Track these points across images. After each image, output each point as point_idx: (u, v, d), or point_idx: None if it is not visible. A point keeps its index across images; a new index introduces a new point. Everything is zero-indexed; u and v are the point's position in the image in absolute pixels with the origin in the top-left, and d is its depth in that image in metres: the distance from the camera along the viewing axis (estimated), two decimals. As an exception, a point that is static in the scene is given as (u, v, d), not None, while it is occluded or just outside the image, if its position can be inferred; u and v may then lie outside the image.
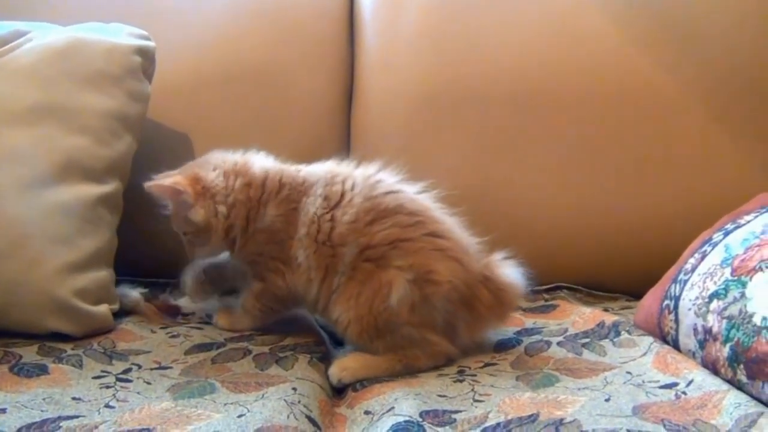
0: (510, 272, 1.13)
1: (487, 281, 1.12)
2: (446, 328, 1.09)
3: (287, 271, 1.15)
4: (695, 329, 1.04)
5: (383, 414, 0.91)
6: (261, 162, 1.21)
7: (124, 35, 1.36)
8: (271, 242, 1.16)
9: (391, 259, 1.07)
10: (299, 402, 0.92)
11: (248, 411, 0.89)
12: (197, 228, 1.17)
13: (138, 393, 0.96)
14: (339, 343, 1.23)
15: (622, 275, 1.44)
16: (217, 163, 1.19)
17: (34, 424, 0.86)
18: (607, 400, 0.93)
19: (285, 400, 0.91)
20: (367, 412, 0.94)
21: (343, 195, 1.13)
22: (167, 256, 1.46)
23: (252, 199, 1.16)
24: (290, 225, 1.14)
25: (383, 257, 1.08)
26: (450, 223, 1.14)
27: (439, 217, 1.14)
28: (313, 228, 1.12)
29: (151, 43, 1.38)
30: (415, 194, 1.16)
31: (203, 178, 1.16)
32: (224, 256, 1.26)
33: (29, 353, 1.08)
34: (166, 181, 1.16)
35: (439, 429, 0.87)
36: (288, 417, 0.88)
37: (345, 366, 1.07)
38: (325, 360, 1.12)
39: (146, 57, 1.37)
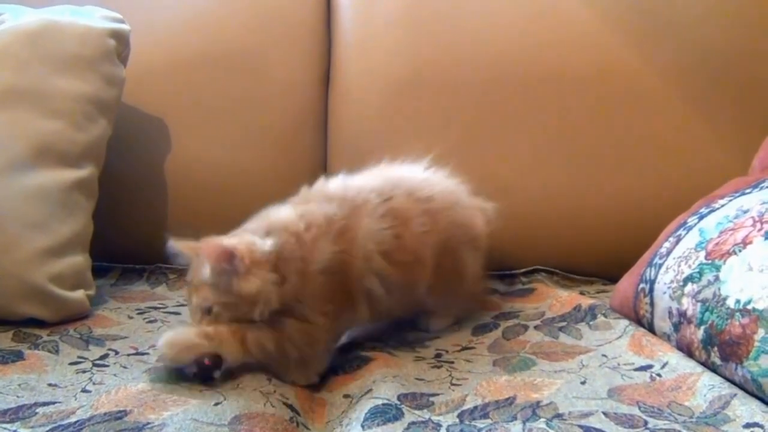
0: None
1: None
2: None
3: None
4: (670, 312, 1.05)
5: (362, 397, 0.91)
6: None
7: (98, 18, 1.34)
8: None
9: (454, 239, 1.17)
10: (275, 392, 0.92)
11: (224, 399, 0.89)
12: (238, 300, 0.99)
13: (114, 375, 0.96)
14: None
15: (598, 259, 1.45)
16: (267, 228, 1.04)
17: (9, 410, 0.86)
18: (583, 383, 0.94)
19: (260, 391, 0.91)
20: (346, 396, 0.94)
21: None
22: (142, 242, 1.46)
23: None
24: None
25: (450, 240, 1.17)
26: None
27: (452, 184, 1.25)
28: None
29: (125, 27, 1.37)
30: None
31: (258, 246, 1.01)
32: None
33: (4, 339, 1.07)
34: (222, 242, 1.00)
35: (416, 412, 0.87)
36: (264, 405, 0.87)
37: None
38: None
39: (121, 40, 1.35)
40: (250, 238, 1.01)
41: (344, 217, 1.05)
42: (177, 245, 1.02)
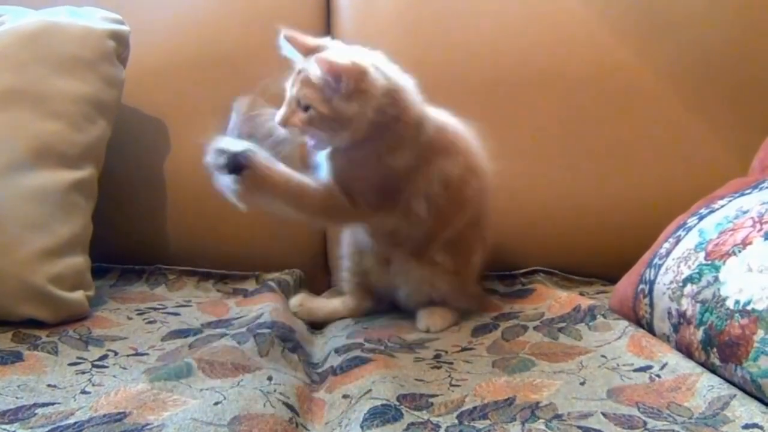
0: None
1: None
2: None
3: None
4: (669, 313, 1.05)
5: (361, 397, 0.91)
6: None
7: (98, 19, 1.34)
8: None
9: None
10: (275, 391, 0.92)
11: (224, 398, 0.89)
12: (333, 115, 1.09)
13: (114, 376, 0.96)
14: (316, 328, 1.24)
15: (597, 259, 1.45)
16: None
17: (8, 411, 0.86)
18: (582, 384, 0.94)
19: (261, 390, 0.91)
20: (345, 396, 0.94)
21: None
22: (141, 243, 1.46)
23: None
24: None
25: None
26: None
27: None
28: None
29: (125, 28, 1.37)
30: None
31: (370, 76, 1.10)
32: None
33: (3, 340, 1.07)
34: (336, 59, 1.07)
35: (416, 413, 0.87)
36: (264, 405, 0.87)
37: (432, 312, 1.21)
38: (297, 350, 1.10)
39: (120, 41, 1.35)
40: (368, 66, 1.10)
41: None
42: (292, 37, 1.12)
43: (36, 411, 0.86)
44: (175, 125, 1.50)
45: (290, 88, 1.11)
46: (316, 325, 1.27)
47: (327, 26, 1.62)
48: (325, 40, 1.15)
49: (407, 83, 1.16)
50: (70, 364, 1.01)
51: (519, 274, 1.44)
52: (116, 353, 1.05)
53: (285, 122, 1.10)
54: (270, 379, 0.95)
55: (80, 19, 1.32)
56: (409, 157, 1.14)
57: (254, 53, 1.55)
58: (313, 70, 1.07)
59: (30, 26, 1.28)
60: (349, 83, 1.06)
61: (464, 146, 1.21)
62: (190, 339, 1.11)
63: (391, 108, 1.11)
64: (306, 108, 1.08)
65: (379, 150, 1.12)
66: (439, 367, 1.02)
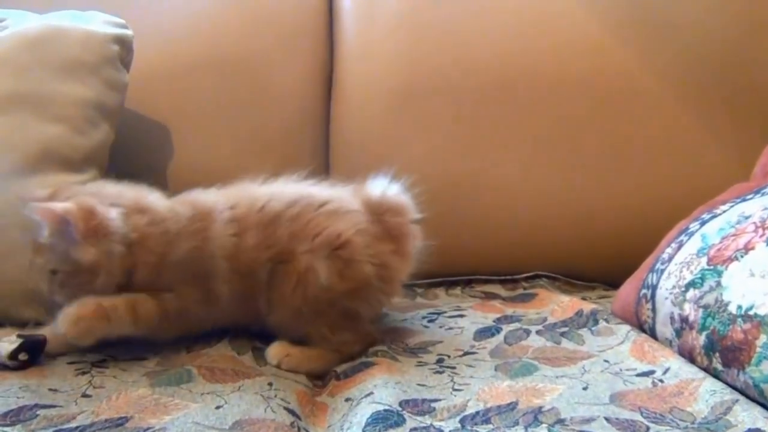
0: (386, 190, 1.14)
1: (383, 212, 1.12)
2: (381, 273, 1.09)
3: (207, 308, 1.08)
4: (672, 318, 1.05)
5: (362, 399, 0.91)
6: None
7: (101, 23, 1.35)
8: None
9: (297, 251, 1.06)
10: (276, 396, 0.92)
11: (225, 403, 0.89)
12: (77, 268, 1.00)
13: (114, 377, 0.96)
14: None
15: (599, 264, 1.45)
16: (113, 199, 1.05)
17: (10, 411, 0.86)
18: (585, 389, 0.94)
19: (261, 395, 0.91)
20: (347, 399, 0.94)
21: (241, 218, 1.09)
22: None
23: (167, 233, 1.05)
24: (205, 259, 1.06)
25: (291, 253, 1.06)
26: (326, 191, 1.15)
27: (315, 191, 1.14)
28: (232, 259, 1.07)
29: (128, 32, 1.37)
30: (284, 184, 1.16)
31: (99, 213, 1.00)
32: None
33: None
34: (56, 206, 0.98)
35: (418, 418, 0.87)
36: (265, 410, 0.87)
37: (288, 352, 1.07)
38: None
39: (124, 45, 1.35)
40: (94, 203, 1.01)
41: (201, 219, 1.07)
42: (33, 205, 1.00)
43: (38, 412, 0.86)
44: (178, 129, 1.50)
45: (33, 263, 1.04)
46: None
47: (329, 32, 1.62)
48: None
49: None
50: (69, 363, 1.01)
51: (521, 278, 1.44)
52: (115, 358, 1.05)
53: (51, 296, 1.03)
54: (270, 384, 0.95)
55: (83, 23, 1.32)
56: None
57: (257, 58, 1.55)
58: (42, 230, 0.99)
59: (33, 30, 1.28)
60: (77, 226, 0.97)
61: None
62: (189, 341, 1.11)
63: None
64: (54, 272, 1.01)
65: None
66: (441, 372, 1.02)
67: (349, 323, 1.10)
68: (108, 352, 1.07)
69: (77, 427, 0.82)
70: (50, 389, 0.93)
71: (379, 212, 1.12)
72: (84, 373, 0.98)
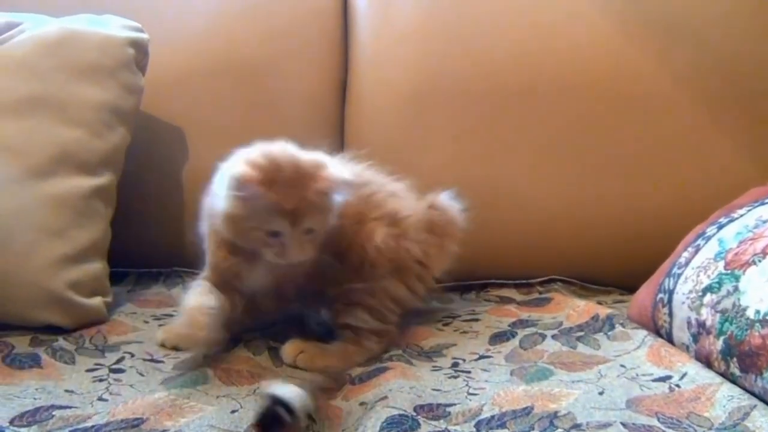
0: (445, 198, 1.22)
1: (436, 210, 1.21)
2: (422, 259, 1.16)
3: None
4: (689, 323, 1.05)
5: (376, 403, 0.91)
6: None
7: (118, 27, 1.35)
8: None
9: (367, 216, 1.13)
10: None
11: (241, 407, 0.89)
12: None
13: (131, 386, 0.96)
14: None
15: (615, 269, 1.44)
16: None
17: (27, 412, 0.86)
18: (601, 393, 0.93)
19: None
20: (362, 403, 0.94)
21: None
22: (159, 248, 1.46)
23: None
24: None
25: (363, 217, 1.13)
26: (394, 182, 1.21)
27: (385, 179, 1.21)
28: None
29: (144, 36, 1.38)
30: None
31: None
32: None
33: (22, 345, 1.07)
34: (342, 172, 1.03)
35: (433, 422, 0.87)
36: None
37: (303, 348, 1.09)
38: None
39: (140, 49, 1.36)
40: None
41: None
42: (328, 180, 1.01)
43: (54, 413, 0.87)
44: (193, 132, 1.51)
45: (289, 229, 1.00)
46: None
47: (344, 38, 1.62)
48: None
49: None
50: (88, 371, 1.01)
51: (536, 282, 1.44)
52: (132, 355, 1.06)
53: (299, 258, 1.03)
54: None
55: (100, 27, 1.33)
56: None
57: (272, 63, 1.56)
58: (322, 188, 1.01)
59: (50, 34, 1.29)
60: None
61: None
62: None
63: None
64: (309, 231, 1.02)
65: None
66: (456, 376, 1.02)
67: (386, 312, 1.14)
68: (125, 349, 1.08)
69: (92, 427, 0.83)
70: (66, 390, 0.94)
71: (433, 209, 1.20)
72: (101, 380, 0.98)
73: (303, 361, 1.07)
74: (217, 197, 1.02)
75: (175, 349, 1.08)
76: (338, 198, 1.04)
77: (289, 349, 1.08)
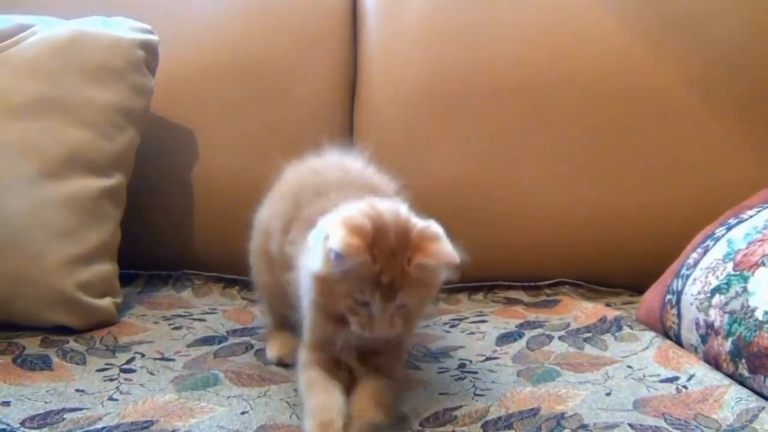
0: None
1: None
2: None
3: None
4: (697, 324, 1.05)
5: None
6: None
7: (128, 29, 1.36)
8: None
9: None
10: (301, 403, 0.92)
11: (251, 408, 0.89)
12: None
13: (141, 385, 0.97)
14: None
15: (624, 270, 1.44)
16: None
17: (38, 415, 0.87)
18: (608, 394, 0.93)
19: (287, 402, 0.92)
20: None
21: None
22: (169, 250, 1.47)
23: None
24: None
25: None
26: None
27: None
28: None
29: (154, 37, 1.38)
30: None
31: None
32: None
33: (32, 346, 1.08)
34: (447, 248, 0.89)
35: (439, 429, 0.87)
36: (291, 417, 0.88)
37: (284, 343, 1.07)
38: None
39: (149, 51, 1.37)
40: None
41: None
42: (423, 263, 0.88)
43: (65, 416, 0.87)
44: (202, 133, 1.51)
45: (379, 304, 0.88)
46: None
47: (353, 38, 1.62)
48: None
49: None
50: (98, 370, 1.02)
51: (544, 285, 1.44)
52: (143, 355, 1.07)
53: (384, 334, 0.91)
54: (296, 391, 0.95)
55: (110, 29, 1.34)
56: None
57: (281, 63, 1.56)
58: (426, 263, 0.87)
59: (61, 36, 1.29)
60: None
61: None
62: (216, 346, 1.12)
63: None
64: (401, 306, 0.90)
65: None
66: (463, 378, 1.02)
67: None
68: (136, 349, 1.09)
69: (103, 429, 0.84)
70: (77, 390, 0.94)
71: None
72: (112, 380, 0.99)
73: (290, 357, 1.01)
74: (312, 253, 0.89)
75: None
76: (443, 275, 0.93)
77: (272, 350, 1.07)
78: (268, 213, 1.10)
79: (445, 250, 0.88)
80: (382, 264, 0.86)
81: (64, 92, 1.25)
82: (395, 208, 0.91)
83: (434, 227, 0.91)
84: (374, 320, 0.88)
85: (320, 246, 0.86)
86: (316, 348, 0.95)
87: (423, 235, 0.88)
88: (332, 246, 0.83)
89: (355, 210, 0.90)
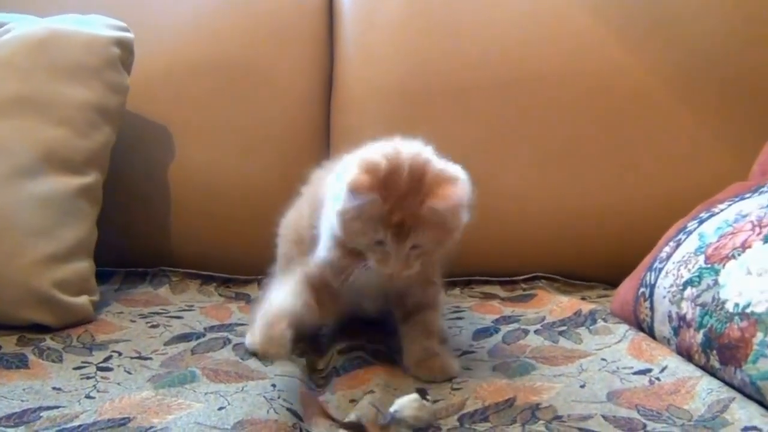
0: None
1: None
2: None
3: None
4: (670, 316, 1.06)
5: (363, 398, 0.92)
6: None
7: (103, 27, 1.36)
8: None
9: None
10: (279, 397, 0.92)
11: (228, 404, 0.89)
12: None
13: (118, 383, 0.97)
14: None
15: (598, 264, 1.46)
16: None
17: (14, 414, 0.87)
18: (582, 387, 0.94)
19: (264, 397, 0.91)
20: (351, 401, 0.95)
21: None
22: (146, 247, 1.47)
23: None
24: None
25: None
26: None
27: None
28: None
29: (129, 35, 1.38)
30: None
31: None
32: None
33: (9, 344, 1.08)
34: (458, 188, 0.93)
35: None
36: (268, 412, 0.88)
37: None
38: (305, 355, 1.11)
39: (125, 48, 1.36)
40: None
41: None
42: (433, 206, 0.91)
43: (41, 414, 0.87)
44: (178, 131, 1.51)
45: (391, 243, 0.93)
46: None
47: (329, 35, 1.63)
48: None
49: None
50: (75, 368, 1.02)
51: (520, 279, 1.45)
52: (120, 354, 1.07)
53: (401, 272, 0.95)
54: (274, 386, 0.96)
55: (85, 27, 1.33)
56: None
57: (258, 61, 1.56)
58: (435, 205, 0.91)
59: (36, 34, 1.29)
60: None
61: None
62: (193, 343, 1.12)
63: None
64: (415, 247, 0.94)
65: None
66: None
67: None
68: (113, 348, 1.09)
69: (80, 426, 0.83)
70: (54, 388, 0.94)
71: None
72: (88, 378, 0.99)
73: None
74: (336, 191, 0.94)
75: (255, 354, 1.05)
76: (461, 218, 0.95)
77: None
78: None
79: (455, 193, 0.91)
80: (392, 203, 0.90)
81: (39, 90, 1.25)
82: (418, 150, 0.96)
83: (453, 170, 0.95)
84: (390, 258, 0.93)
85: (342, 183, 0.91)
86: (317, 281, 1.02)
87: (439, 177, 0.92)
88: (345, 182, 0.89)
89: (376, 149, 0.95)
